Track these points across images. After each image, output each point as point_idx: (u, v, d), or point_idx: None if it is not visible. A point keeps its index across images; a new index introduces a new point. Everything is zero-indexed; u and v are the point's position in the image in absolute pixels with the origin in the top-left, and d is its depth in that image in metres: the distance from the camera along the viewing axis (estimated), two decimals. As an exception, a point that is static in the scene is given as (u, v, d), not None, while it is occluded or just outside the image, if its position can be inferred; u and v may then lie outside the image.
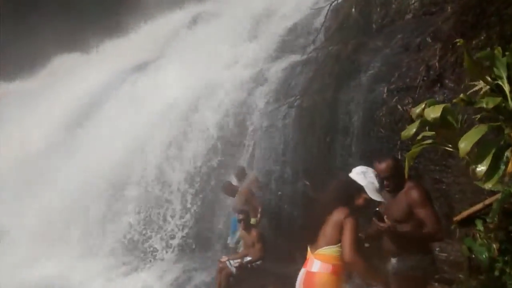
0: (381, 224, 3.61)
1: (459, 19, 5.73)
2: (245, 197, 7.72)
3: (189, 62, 10.72)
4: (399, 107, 6.12)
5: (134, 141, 9.41)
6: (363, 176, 3.56)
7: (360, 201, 3.52)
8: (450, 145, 3.71)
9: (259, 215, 7.68)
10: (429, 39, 6.37)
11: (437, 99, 5.57)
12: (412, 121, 3.79)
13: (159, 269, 7.90)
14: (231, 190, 7.77)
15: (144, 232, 8.35)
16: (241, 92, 8.84)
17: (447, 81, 5.69)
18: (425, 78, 5.99)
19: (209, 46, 10.94)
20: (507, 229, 4.24)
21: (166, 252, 8.09)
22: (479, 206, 5.08)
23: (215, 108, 8.84)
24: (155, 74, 11.42)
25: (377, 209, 3.68)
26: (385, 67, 6.68)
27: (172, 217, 8.23)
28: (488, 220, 4.40)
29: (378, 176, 3.59)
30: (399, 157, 6.04)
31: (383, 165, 3.90)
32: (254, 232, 7.02)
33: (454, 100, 3.39)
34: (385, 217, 3.63)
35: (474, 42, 5.50)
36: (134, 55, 14.17)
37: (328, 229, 3.42)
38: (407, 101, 6.06)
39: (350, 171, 3.76)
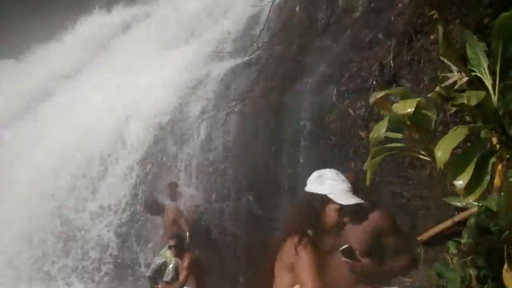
0: (355, 264, 2.79)
1: (415, 12, 5.10)
2: (173, 216, 6.80)
3: (119, 67, 9.67)
4: (350, 111, 5.41)
5: (57, 157, 8.24)
6: (319, 182, 2.55)
7: (330, 218, 2.53)
8: (422, 152, 2.99)
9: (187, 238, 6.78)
10: (381, 36, 5.72)
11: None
12: (376, 121, 3.02)
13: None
14: (156, 209, 6.78)
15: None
16: (175, 99, 7.89)
17: (403, 81, 5.03)
18: (378, 79, 5.32)
19: (141, 50, 9.95)
20: (485, 253, 3.58)
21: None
22: (447, 223, 4.41)
23: (146, 117, 7.85)
24: (86, 80, 10.25)
25: (345, 246, 2.84)
26: (333, 68, 5.98)
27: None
28: (462, 241, 3.74)
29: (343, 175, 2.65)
30: (353, 167, 5.34)
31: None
32: (186, 259, 6.08)
33: (429, 95, 2.64)
34: (357, 253, 2.81)
35: (432, 37, 4.88)
36: (65, 60, 12.89)
37: (278, 281, 2.48)
38: (359, 105, 5.36)
39: (299, 184, 2.90)
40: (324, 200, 2.51)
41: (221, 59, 8.31)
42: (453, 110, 3.69)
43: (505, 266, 2.40)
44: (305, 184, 2.62)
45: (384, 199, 5.03)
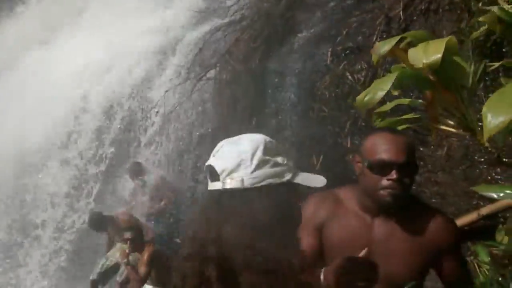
0: None
1: None
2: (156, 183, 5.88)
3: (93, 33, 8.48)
4: (348, 75, 4.35)
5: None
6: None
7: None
8: (451, 123, 2.02)
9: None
10: (388, -18, 4.63)
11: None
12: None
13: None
14: (99, 223, 5.68)
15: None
16: (146, 64, 6.79)
17: (416, 36, 3.95)
18: (384, 35, 4.25)
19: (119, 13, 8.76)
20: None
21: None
22: (471, 216, 3.38)
23: (110, 85, 6.75)
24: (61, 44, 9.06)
25: (413, 283, 1.68)
26: (328, 24, 4.89)
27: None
28: (499, 246, 2.72)
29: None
30: (348, 144, 4.30)
31: (395, 139, 1.75)
32: (146, 252, 5.05)
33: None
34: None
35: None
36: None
37: None
38: (359, 67, 4.30)
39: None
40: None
41: (204, 23, 7.19)
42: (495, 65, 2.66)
43: None
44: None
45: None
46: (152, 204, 6.01)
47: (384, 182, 1.63)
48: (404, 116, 1.89)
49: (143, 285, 5.10)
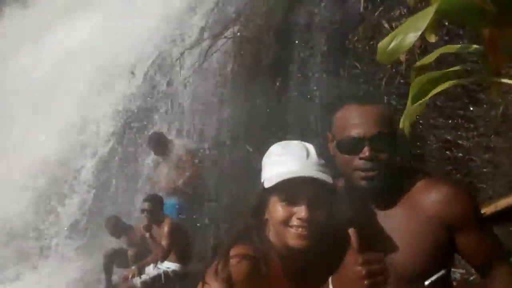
0: None
1: None
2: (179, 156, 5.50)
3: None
4: (385, 24, 3.74)
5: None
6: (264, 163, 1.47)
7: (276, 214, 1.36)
8: None
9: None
10: None
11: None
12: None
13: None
14: (119, 228, 5.35)
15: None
16: (166, 24, 6.31)
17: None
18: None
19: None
20: None
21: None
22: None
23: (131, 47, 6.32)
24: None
25: (443, 272, 1.33)
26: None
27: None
28: None
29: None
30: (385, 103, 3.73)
31: (364, 111, 1.51)
32: (166, 224, 4.73)
33: None
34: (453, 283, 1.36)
35: None
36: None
37: None
38: (397, 13, 3.68)
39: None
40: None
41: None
42: None
43: None
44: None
45: (429, 152, 3.46)
46: (177, 177, 5.59)
47: (357, 161, 1.41)
48: (452, 69, 1.35)
49: (164, 259, 4.80)
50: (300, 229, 1.31)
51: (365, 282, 1.23)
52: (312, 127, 4.47)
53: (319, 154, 1.40)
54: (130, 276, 4.69)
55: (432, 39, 1.87)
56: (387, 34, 3.65)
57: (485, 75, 2.18)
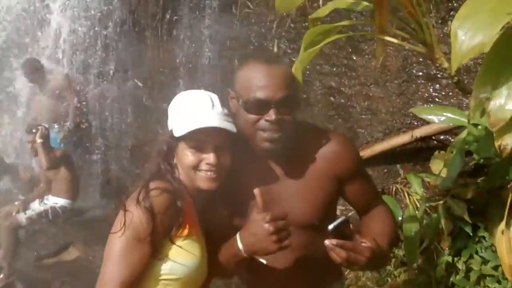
0: (363, 245, 1.36)
1: None
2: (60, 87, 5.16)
3: None
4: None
5: None
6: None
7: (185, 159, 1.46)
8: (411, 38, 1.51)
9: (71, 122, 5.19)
10: None
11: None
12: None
13: None
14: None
15: None
16: None
17: None
18: None
19: None
20: (473, 198, 2.30)
21: None
22: (402, 138, 3.10)
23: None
24: None
25: (340, 220, 1.36)
26: None
27: None
28: (432, 178, 2.44)
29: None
30: (275, 50, 3.79)
31: (271, 72, 1.46)
32: (57, 153, 4.52)
33: None
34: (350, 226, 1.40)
35: None
36: None
37: None
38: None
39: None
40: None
41: None
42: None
43: (503, 224, 1.16)
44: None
45: (314, 97, 3.62)
46: (54, 108, 5.27)
47: (262, 123, 1.43)
48: (341, 23, 1.41)
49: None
50: (209, 173, 1.41)
51: (273, 237, 1.32)
52: (203, 65, 4.41)
53: (222, 104, 1.46)
54: (14, 213, 4.43)
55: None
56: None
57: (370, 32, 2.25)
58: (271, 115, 1.40)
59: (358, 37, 3.31)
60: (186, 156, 1.42)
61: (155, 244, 1.34)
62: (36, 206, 4.52)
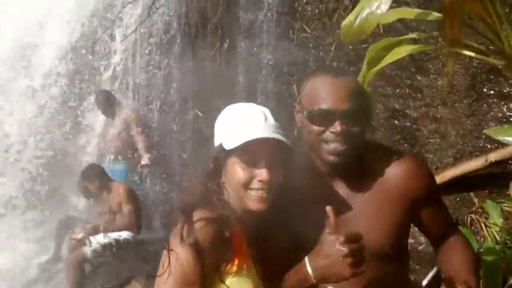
0: None
1: None
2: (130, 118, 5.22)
3: None
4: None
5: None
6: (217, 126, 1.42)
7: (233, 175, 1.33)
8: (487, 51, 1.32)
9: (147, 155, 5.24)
10: None
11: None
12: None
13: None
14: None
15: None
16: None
17: None
18: None
19: None
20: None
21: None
22: (476, 163, 2.85)
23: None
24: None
25: (434, 270, 1.30)
26: None
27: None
28: (508, 205, 2.17)
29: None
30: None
31: (336, 84, 1.40)
32: (120, 189, 4.57)
33: None
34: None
35: None
36: None
37: None
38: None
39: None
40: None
41: None
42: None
43: None
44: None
45: (377, 121, 3.43)
46: (123, 140, 5.35)
47: (327, 134, 1.37)
48: (407, 36, 1.28)
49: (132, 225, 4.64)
50: (260, 192, 1.28)
51: (348, 260, 1.18)
52: (262, 91, 4.36)
53: (275, 117, 1.35)
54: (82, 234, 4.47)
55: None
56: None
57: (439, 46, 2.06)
58: (336, 126, 1.34)
59: (421, 55, 3.12)
60: (237, 172, 1.28)
61: (205, 284, 1.21)
62: (100, 239, 4.57)
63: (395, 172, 1.42)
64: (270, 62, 4.28)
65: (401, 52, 1.31)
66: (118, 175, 4.99)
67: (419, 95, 3.20)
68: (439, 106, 3.11)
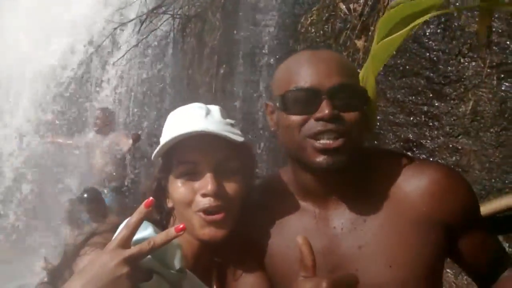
0: None
1: None
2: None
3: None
4: (341, 5, 3.27)
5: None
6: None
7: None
8: None
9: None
10: None
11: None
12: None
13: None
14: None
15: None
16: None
17: None
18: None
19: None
20: None
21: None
22: (507, 200, 2.42)
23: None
24: None
25: None
26: None
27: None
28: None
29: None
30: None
31: (318, 57, 1.03)
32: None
33: None
34: None
35: None
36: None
37: None
38: (356, -7, 3.22)
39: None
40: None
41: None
42: None
43: None
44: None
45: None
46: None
47: (312, 124, 0.95)
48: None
49: None
50: (208, 214, 0.92)
51: None
52: (259, 119, 4.01)
53: (228, 115, 1.04)
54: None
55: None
56: (343, 18, 3.16)
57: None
58: (323, 109, 0.93)
59: (440, 79, 2.75)
60: (177, 189, 0.95)
61: None
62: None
63: (421, 186, 0.99)
64: (268, 89, 3.95)
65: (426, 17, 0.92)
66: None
67: (436, 123, 2.81)
68: (460, 136, 2.72)
